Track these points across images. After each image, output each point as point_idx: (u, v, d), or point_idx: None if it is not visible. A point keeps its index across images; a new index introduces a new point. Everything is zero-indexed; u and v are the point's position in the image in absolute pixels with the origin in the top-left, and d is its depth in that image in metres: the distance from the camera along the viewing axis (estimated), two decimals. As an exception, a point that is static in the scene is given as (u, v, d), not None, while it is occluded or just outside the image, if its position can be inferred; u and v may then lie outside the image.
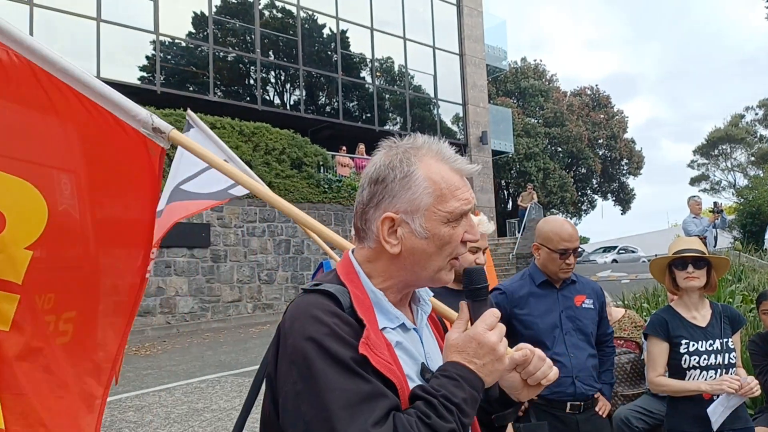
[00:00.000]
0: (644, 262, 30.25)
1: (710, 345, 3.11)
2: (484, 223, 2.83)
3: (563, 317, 3.08)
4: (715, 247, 12.37)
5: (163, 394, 7.23)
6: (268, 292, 14.66)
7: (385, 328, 1.21)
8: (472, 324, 1.22)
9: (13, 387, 1.70)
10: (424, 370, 1.23)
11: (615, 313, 4.73)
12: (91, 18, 15.37)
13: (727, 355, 3.10)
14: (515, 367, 1.28)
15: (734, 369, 3.11)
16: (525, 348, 1.29)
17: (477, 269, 1.28)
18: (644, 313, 5.99)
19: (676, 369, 3.13)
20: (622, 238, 44.89)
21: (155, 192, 1.71)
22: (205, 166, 3.41)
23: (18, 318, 1.77)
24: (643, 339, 4.39)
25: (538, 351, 1.31)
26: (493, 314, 1.22)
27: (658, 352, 3.18)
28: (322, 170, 16.78)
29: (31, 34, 14.23)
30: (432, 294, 1.43)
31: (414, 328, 1.30)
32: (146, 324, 12.43)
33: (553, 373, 1.31)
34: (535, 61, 39.20)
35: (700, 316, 3.20)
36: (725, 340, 3.13)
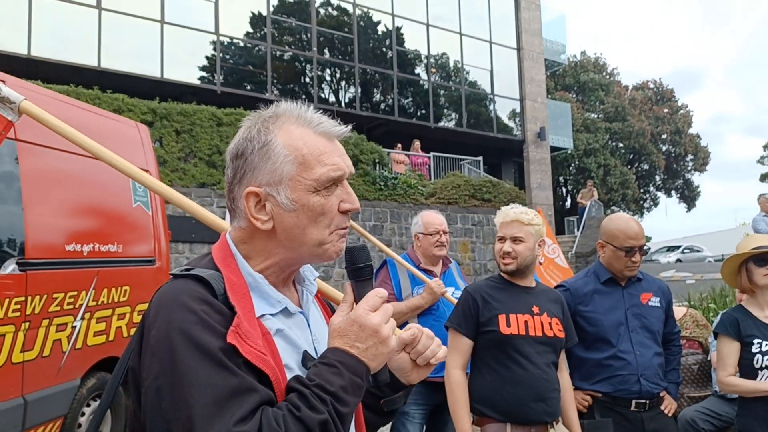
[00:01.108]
0: (710, 262, 29.14)
1: None
2: (508, 211, 2.82)
3: (629, 315, 3.03)
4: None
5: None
6: (325, 287, 14.88)
7: (264, 315, 1.14)
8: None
9: None
10: (305, 359, 1.15)
11: (677, 311, 4.61)
12: (155, 20, 15.93)
13: None
14: (404, 347, 1.24)
15: None
16: (413, 327, 1.25)
17: (359, 247, 1.20)
18: (711, 314, 5.80)
19: (747, 369, 3.05)
20: (686, 237, 43.37)
21: None
22: None
23: None
24: (711, 338, 4.28)
25: (427, 330, 1.26)
26: (376, 294, 1.14)
27: (728, 351, 3.10)
28: (377, 168, 16.87)
29: (99, 37, 14.91)
30: (317, 275, 1.35)
31: (300, 311, 1.23)
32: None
33: (442, 351, 1.25)
34: (595, 54, 38.35)
35: None
36: None
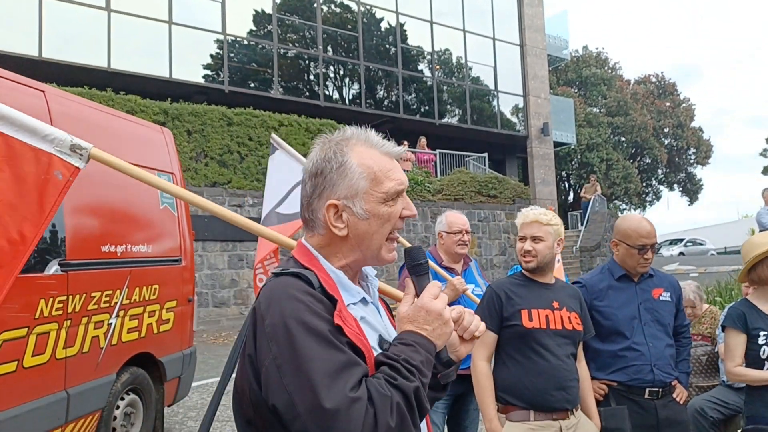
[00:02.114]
0: (713, 254, 29.31)
1: None
2: (528, 213, 3.00)
3: (642, 309, 3.23)
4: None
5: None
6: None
7: (349, 304, 1.35)
8: (418, 297, 1.36)
9: None
10: (381, 341, 1.36)
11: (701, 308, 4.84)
12: (163, 21, 16.10)
13: None
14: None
15: None
16: (457, 307, 1.44)
17: (416, 248, 1.43)
18: (718, 308, 5.98)
19: (754, 360, 3.23)
20: (689, 230, 43.50)
21: (42, 211, 1.60)
22: (296, 182, 3.70)
23: None
24: (719, 331, 4.47)
25: (468, 309, 1.47)
26: (435, 285, 1.36)
27: (736, 343, 3.28)
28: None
29: (109, 38, 15.10)
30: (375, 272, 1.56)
31: (372, 302, 1.45)
32: (221, 315, 13.05)
33: (483, 325, 1.46)
34: (597, 49, 38.39)
35: None
36: None
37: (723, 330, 3.47)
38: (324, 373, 1.16)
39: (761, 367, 3.20)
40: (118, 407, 4.65)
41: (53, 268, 3.95)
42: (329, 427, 1.12)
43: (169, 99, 13.95)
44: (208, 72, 17.30)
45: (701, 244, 33.13)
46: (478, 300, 3.34)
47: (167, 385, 5.25)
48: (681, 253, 29.96)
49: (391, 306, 1.63)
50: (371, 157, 1.39)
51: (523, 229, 2.99)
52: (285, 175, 4.06)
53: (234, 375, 1.39)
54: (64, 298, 3.98)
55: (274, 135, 4.34)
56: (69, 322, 4.02)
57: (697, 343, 4.53)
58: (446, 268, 3.89)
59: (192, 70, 16.74)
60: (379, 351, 1.32)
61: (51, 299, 3.86)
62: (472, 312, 1.48)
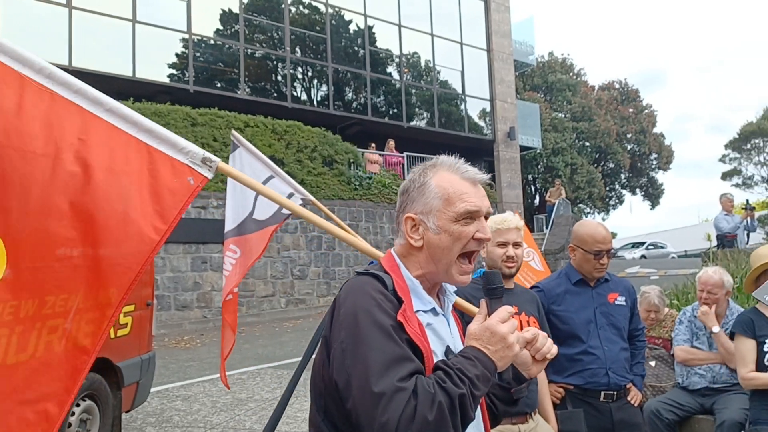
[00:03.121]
0: (674, 258, 29.99)
1: None
2: (509, 219, 3.03)
3: (597, 313, 3.28)
4: (747, 244, 12.34)
5: (207, 385, 7.57)
6: (300, 287, 15.00)
7: (418, 310, 1.49)
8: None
9: None
10: (448, 351, 1.50)
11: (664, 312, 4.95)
12: (127, 19, 15.82)
13: None
14: (526, 345, 1.54)
15: None
16: (532, 328, 1.57)
17: (494, 272, 1.57)
18: (675, 310, 6.11)
19: (759, 365, 3.30)
20: (651, 233, 44.43)
21: (172, 213, 1.77)
22: (266, 177, 3.68)
23: None
24: (674, 333, 4.57)
25: (542, 332, 1.59)
26: (506, 310, 1.47)
27: (747, 349, 3.35)
28: (352, 167, 17.03)
29: (70, 36, 14.76)
30: (454, 289, 1.70)
31: (443, 314, 1.59)
32: (184, 318, 12.85)
33: (555, 348, 1.57)
34: (562, 55, 39.01)
35: None
36: None
37: (732, 337, 3.53)
38: (379, 361, 1.31)
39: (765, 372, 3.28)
40: (72, 413, 4.54)
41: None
42: (373, 409, 1.26)
43: (132, 99, 13.70)
44: (173, 71, 17.05)
45: (662, 248, 33.88)
46: None
47: (125, 391, 5.13)
48: (643, 256, 30.57)
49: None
50: (449, 181, 1.56)
51: (504, 235, 2.98)
52: (249, 175, 3.98)
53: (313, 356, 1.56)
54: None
55: (234, 132, 4.23)
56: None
57: (650, 345, 4.62)
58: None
59: (156, 70, 16.48)
60: (442, 359, 1.45)
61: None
62: (546, 335, 1.59)
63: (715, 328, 4.20)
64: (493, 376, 1.42)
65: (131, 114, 1.81)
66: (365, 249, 2.09)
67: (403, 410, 1.25)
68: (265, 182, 3.76)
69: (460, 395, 1.30)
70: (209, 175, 1.82)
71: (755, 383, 3.34)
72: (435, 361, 1.41)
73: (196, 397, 6.98)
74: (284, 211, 3.78)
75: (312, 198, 3.78)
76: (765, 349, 3.28)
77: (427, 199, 1.54)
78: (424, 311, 1.51)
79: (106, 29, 15.51)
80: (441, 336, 1.52)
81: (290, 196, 3.68)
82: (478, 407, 1.51)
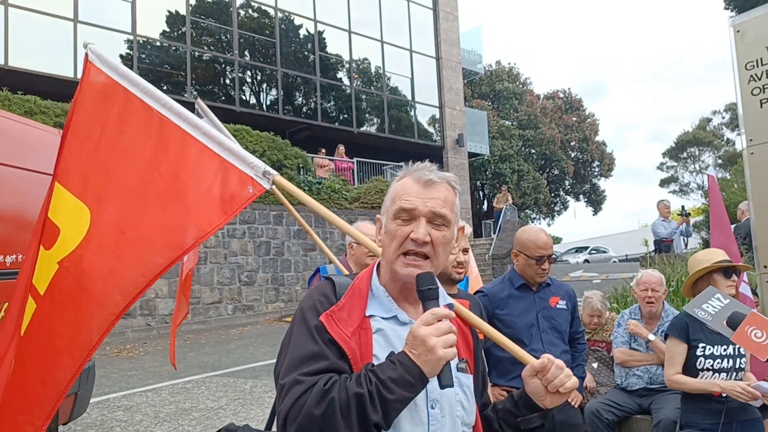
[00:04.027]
0: (615, 262, 30.95)
1: (724, 350, 3.36)
2: (459, 225, 3.08)
3: (540, 317, 3.36)
4: (686, 249, 12.83)
5: (150, 394, 7.37)
6: (248, 293, 14.79)
7: (373, 315, 1.47)
8: None
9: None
10: (390, 356, 1.40)
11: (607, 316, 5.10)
12: (68, 19, 15.33)
13: (738, 360, 3.35)
14: (536, 374, 1.47)
15: (743, 373, 3.37)
16: (545, 357, 1.46)
17: (425, 274, 1.43)
18: (615, 314, 6.30)
19: (690, 369, 3.39)
20: (593, 238, 45.79)
21: (229, 211, 2.06)
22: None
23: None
24: (613, 337, 4.72)
25: (558, 361, 1.46)
26: (430, 313, 1.35)
27: (677, 352, 3.43)
28: (301, 173, 16.93)
29: (6, 33, 14.19)
30: (451, 301, 1.63)
31: (410, 322, 1.44)
32: (126, 326, 12.48)
33: (571, 382, 1.44)
34: (509, 64, 39.81)
35: None
36: (738, 346, 3.34)
37: (665, 339, 3.62)
38: (294, 357, 1.39)
39: (695, 376, 3.38)
40: (5, 428, 4.34)
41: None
42: (278, 399, 1.37)
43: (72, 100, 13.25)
44: (117, 73, 16.57)
45: (604, 252, 34.94)
46: None
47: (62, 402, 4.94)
48: (586, 261, 31.44)
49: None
50: (402, 182, 1.55)
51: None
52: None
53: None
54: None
55: (199, 100, 4.17)
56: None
57: (593, 348, 4.76)
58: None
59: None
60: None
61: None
62: (562, 365, 1.47)
63: (651, 336, 4.38)
64: (417, 381, 1.31)
65: (217, 134, 2.14)
66: (366, 243, 2.19)
67: (294, 402, 1.30)
68: None
69: (356, 394, 1.27)
70: (267, 186, 2.05)
71: (679, 386, 3.46)
72: (375, 363, 1.38)
73: (138, 407, 6.79)
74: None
75: (273, 187, 3.82)
76: (698, 353, 3.39)
77: (386, 201, 1.57)
78: (383, 317, 1.47)
79: (45, 28, 14.97)
80: (392, 343, 1.44)
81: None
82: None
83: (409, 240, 1.46)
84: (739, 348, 3.38)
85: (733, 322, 1.58)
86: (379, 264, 1.59)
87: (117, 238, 2.04)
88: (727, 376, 3.33)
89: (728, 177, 28.20)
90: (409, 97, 23.40)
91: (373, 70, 22.82)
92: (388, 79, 22.90)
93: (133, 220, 2.04)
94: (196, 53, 18.28)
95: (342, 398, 1.27)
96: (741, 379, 3.35)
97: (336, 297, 1.48)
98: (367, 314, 1.45)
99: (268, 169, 2.07)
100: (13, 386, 2.12)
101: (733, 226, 6.31)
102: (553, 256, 3.42)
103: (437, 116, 24.02)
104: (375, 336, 1.43)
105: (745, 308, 1.60)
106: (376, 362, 1.39)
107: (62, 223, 2.12)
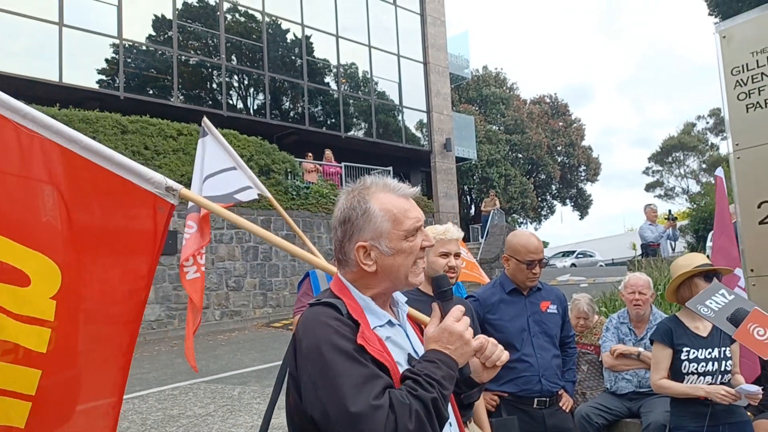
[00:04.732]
0: (601, 266, 31.15)
1: (709, 353, 3.38)
2: (451, 230, 3.07)
3: (531, 321, 3.36)
4: (673, 252, 12.94)
5: (136, 402, 7.30)
6: (236, 299, 14.70)
7: (375, 326, 1.54)
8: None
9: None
10: (410, 359, 1.55)
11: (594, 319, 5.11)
12: (53, 23, 15.19)
13: (723, 363, 3.37)
14: (475, 353, 1.60)
15: (729, 376, 3.39)
16: (480, 337, 1.62)
17: (442, 276, 1.62)
18: (603, 317, 6.33)
19: (675, 373, 3.41)
20: (580, 242, 46.10)
21: (155, 244, 1.94)
22: (227, 166, 3.88)
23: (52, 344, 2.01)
24: (601, 341, 4.74)
25: (492, 339, 1.64)
26: (458, 309, 1.54)
27: (662, 357, 3.46)
28: (289, 177, 16.88)
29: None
30: (406, 299, 1.77)
31: (399, 324, 1.64)
32: (112, 332, 12.34)
33: (505, 355, 1.63)
34: (496, 69, 40.00)
35: (703, 326, 3.46)
36: (723, 349, 3.39)
37: (651, 343, 3.65)
38: (350, 384, 1.35)
39: (681, 381, 3.41)
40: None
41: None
42: (354, 429, 1.31)
43: (59, 105, 13.15)
44: (103, 77, 16.47)
45: (591, 256, 35.20)
46: None
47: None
48: (573, 265, 31.63)
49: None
50: (390, 201, 1.59)
51: (446, 246, 3.00)
52: (212, 161, 4.21)
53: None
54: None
55: (205, 119, 4.41)
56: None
57: (581, 351, 4.78)
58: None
59: (85, 75, 15.88)
60: (407, 367, 1.50)
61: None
62: (495, 342, 1.65)
63: (640, 349, 4.42)
64: (456, 374, 1.47)
65: (102, 148, 1.90)
66: (319, 263, 2.18)
67: (384, 425, 1.30)
68: (223, 171, 4.09)
69: (432, 399, 1.37)
70: (175, 202, 1.91)
71: (664, 390, 3.49)
72: (401, 371, 1.46)
73: (125, 414, 6.71)
74: (237, 196, 4.00)
75: (269, 195, 3.97)
76: (683, 357, 3.42)
77: (376, 225, 1.55)
78: (381, 326, 1.55)
79: (29, 32, 14.83)
80: (402, 346, 1.57)
81: (247, 188, 3.90)
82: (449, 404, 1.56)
83: (420, 250, 1.60)
84: (724, 351, 3.41)
85: (736, 319, 1.58)
86: (340, 280, 1.63)
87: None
88: (712, 379, 3.36)
89: (712, 181, 28.52)
90: (397, 102, 23.44)
91: (360, 74, 22.83)
92: (376, 83, 22.93)
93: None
94: (183, 57, 18.19)
95: (422, 407, 1.35)
96: (728, 382, 3.37)
97: (342, 316, 1.49)
98: (372, 327, 1.53)
99: (171, 183, 1.92)
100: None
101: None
102: (544, 260, 3.43)
103: (425, 121, 24.07)
104: (387, 344, 1.52)
105: (750, 304, 1.60)
106: (399, 368, 1.48)
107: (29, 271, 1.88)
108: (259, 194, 4.04)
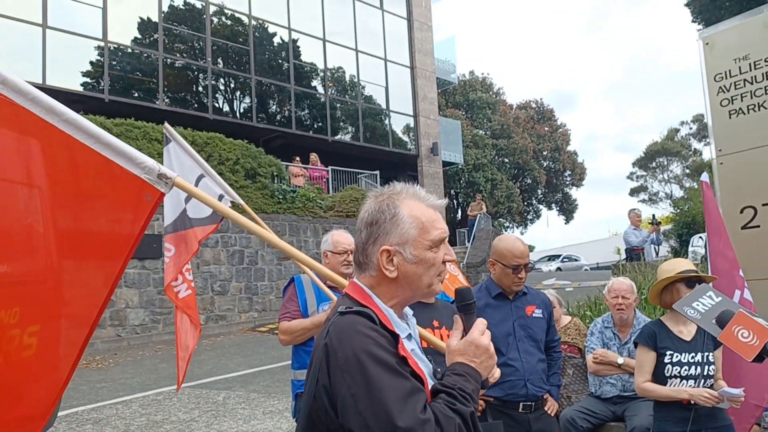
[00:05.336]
0: (586, 270, 31.37)
1: (692, 357, 3.40)
2: None
3: (516, 326, 3.37)
4: (657, 256, 13.04)
5: (120, 407, 7.21)
6: (221, 303, 14.61)
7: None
8: (465, 333, 1.55)
9: None
10: (434, 372, 1.58)
11: (562, 320, 5.08)
12: (36, 24, 15.06)
13: (707, 367, 3.39)
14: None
15: (712, 380, 3.40)
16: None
17: (466, 289, 1.63)
18: (587, 321, 6.36)
19: (659, 376, 3.43)
20: (565, 246, 46.34)
21: (131, 238, 1.79)
22: (197, 175, 3.67)
23: None
24: (587, 343, 4.76)
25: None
26: (482, 323, 1.56)
27: (645, 360, 3.48)
28: (276, 181, 16.82)
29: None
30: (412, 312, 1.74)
31: (414, 338, 1.64)
32: (96, 337, 12.21)
33: (498, 372, 1.66)
34: (482, 74, 40.19)
35: (687, 330, 3.49)
36: (707, 353, 3.41)
37: (635, 346, 3.68)
38: (395, 398, 1.32)
39: (665, 384, 3.43)
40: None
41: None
42: None
43: (41, 106, 12.99)
44: (87, 80, 16.33)
45: (576, 260, 35.41)
46: None
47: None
48: (558, 269, 31.80)
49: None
50: (419, 209, 1.57)
51: None
52: (184, 176, 3.89)
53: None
54: None
55: (167, 125, 4.15)
56: None
57: (566, 354, 4.79)
58: (332, 287, 3.86)
59: (69, 77, 15.74)
60: (430, 380, 1.50)
61: None
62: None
63: (620, 360, 4.45)
64: (480, 387, 1.49)
65: (89, 125, 1.73)
66: (325, 272, 2.11)
67: None
68: (196, 182, 3.80)
69: (470, 414, 1.38)
70: (165, 191, 1.77)
71: (648, 393, 3.52)
72: (429, 383, 1.46)
73: (108, 420, 6.64)
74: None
75: (242, 202, 3.80)
76: (666, 361, 3.44)
77: (403, 230, 1.54)
78: (404, 338, 1.52)
79: (12, 33, 14.68)
80: (422, 358, 1.56)
81: (220, 197, 3.68)
82: None
83: (441, 264, 1.59)
84: (707, 355, 3.44)
85: (722, 321, 1.59)
86: (359, 286, 1.59)
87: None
88: (695, 383, 3.38)
89: (695, 186, 28.83)
90: (384, 106, 23.46)
91: (347, 78, 22.83)
92: (363, 87, 22.94)
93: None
94: (169, 60, 18.09)
95: (462, 422, 1.36)
96: (711, 387, 3.40)
97: (378, 327, 1.46)
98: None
99: (165, 170, 1.77)
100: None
101: (703, 234, 6.41)
102: (530, 264, 3.44)
103: (412, 125, 24.11)
104: (413, 356, 1.50)
105: (735, 306, 1.61)
106: (430, 382, 1.48)
107: None
108: (232, 202, 3.81)
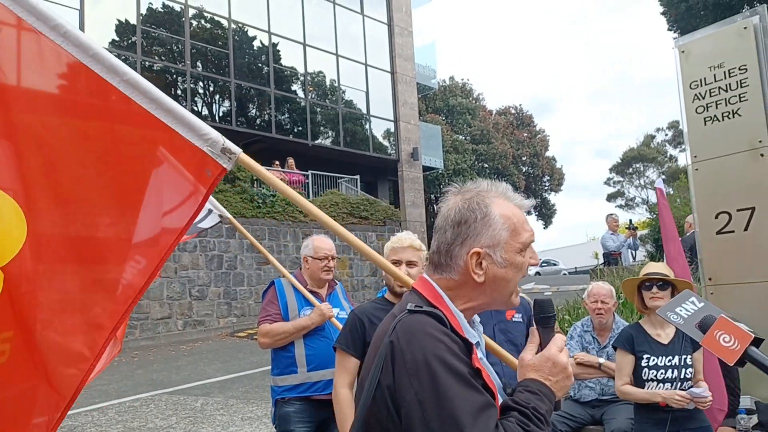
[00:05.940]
0: (565, 274, 31.65)
1: (669, 360, 3.45)
2: (403, 238, 3.05)
3: (496, 330, 3.37)
4: (635, 261, 13.21)
5: (95, 414, 7.10)
6: (199, 308, 14.46)
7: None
8: (542, 347, 1.44)
9: None
10: (505, 386, 1.45)
11: None
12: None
13: (684, 370, 3.44)
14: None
15: (690, 383, 3.45)
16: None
17: (547, 300, 1.52)
18: (566, 325, 6.42)
19: (636, 379, 3.49)
20: (544, 251, 46.73)
21: (188, 214, 1.68)
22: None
23: None
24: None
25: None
26: (562, 339, 1.44)
27: (624, 363, 3.53)
28: (255, 185, 16.73)
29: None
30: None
31: (481, 346, 1.53)
32: (71, 342, 12.02)
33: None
34: (462, 80, 40.44)
35: (665, 333, 3.54)
36: (684, 357, 3.47)
37: (614, 350, 3.72)
38: (467, 412, 1.22)
39: (642, 387, 3.47)
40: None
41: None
42: None
43: (16, 109, 12.79)
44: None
45: (555, 265, 35.73)
46: (341, 325, 3.32)
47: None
48: (537, 273, 32.02)
49: None
50: (509, 209, 1.47)
51: (398, 254, 2.99)
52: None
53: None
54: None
55: None
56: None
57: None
58: (312, 292, 3.85)
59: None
60: (500, 394, 1.39)
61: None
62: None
63: (601, 360, 4.49)
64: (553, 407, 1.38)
65: (151, 89, 1.60)
66: (394, 272, 2.08)
67: None
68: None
69: None
70: (228, 167, 1.66)
71: (627, 396, 3.57)
72: (499, 399, 1.35)
73: (83, 427, 6.52)
74: (201, 224, 3.69)
75: (229, 215, 3.76)
76: (643, 364, 3.49)
77: (495, 231, 1.42)
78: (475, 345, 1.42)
79: (-14, 34, 14.44)
80: (491, 370, 1.44)
81: (209, 212, 3.63)
82: None
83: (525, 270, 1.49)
84: (685, 358, 3.49)
85: (704, 326, 1.61)
86: (431, 285, 1.48)
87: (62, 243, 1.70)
88: (672, 386, 3.43)
89: (671, 192, 29.25)
90: (364, 111, 23.47)
91: (328, 83, 22.81)
92: (343, 92, 22.94)
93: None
94: (147, 63, 17.92)
95: None
96: (688, 389, 3.44)
97: (450, 331, 1.35)
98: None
99: (229, 144, 1.66)
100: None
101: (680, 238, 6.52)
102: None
103: (392, 130, 24.15)
104: (485, 368, 1.40)
105: (717, 311, 1.64)
106: (500, 398, 1.38)
107: None
108: (220, 216, 3.78)
